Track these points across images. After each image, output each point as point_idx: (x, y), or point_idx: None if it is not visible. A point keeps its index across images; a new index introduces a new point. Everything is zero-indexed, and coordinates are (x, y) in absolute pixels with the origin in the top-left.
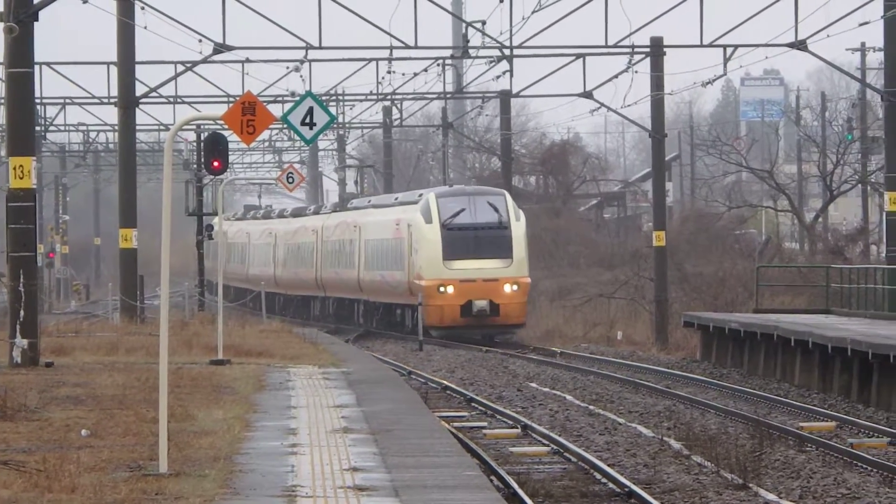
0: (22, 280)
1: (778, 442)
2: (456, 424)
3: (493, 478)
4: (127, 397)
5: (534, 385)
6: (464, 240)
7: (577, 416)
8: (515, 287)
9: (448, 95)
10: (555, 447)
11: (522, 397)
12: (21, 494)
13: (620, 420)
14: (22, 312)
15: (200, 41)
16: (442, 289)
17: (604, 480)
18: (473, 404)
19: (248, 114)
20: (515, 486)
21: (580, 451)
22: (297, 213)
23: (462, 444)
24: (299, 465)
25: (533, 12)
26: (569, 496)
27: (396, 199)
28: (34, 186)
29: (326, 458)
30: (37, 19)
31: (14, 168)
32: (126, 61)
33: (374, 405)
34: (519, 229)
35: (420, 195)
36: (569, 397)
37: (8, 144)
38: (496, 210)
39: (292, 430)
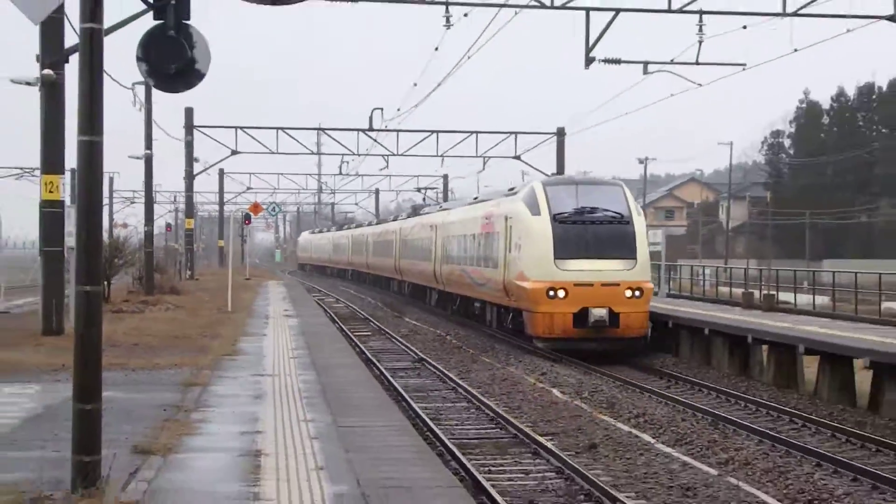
0: None
1: None
2: None
3: None
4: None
5: None
6: (579, 236)
7: None
8: (638, 293)
9: None
10: None
11: None
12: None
13: None
14: None
15: None
16: (552, 293)
17: None
18: None
19: None
20: None
21: None
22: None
23: None
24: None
25: None
26: None
27: (476, 198)
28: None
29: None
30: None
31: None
32: None
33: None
34: (641, 225)
35: (513, 189)
36: None
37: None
38: (615, 202)
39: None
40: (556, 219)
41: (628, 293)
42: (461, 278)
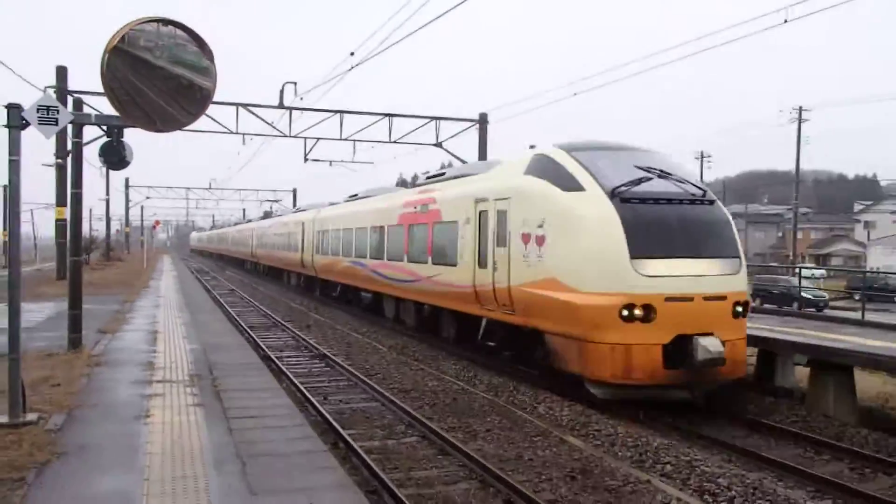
0: None
1: None
2: None
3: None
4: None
5: None
6: (659, 221)
7: None
8: (740, 309)
9: None
10: None
11: None
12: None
13: None
14: None
15: None
16: (627, 312)
17: None
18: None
19: None
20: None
21: None
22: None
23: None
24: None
25: None
26: None
27: (355, 195)
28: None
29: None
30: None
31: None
32: None
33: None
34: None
35: (441, 173)
36: None
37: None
38: (684, 174)
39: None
40: (617, 195)
41: (733, 311)
42: (350, 270)
